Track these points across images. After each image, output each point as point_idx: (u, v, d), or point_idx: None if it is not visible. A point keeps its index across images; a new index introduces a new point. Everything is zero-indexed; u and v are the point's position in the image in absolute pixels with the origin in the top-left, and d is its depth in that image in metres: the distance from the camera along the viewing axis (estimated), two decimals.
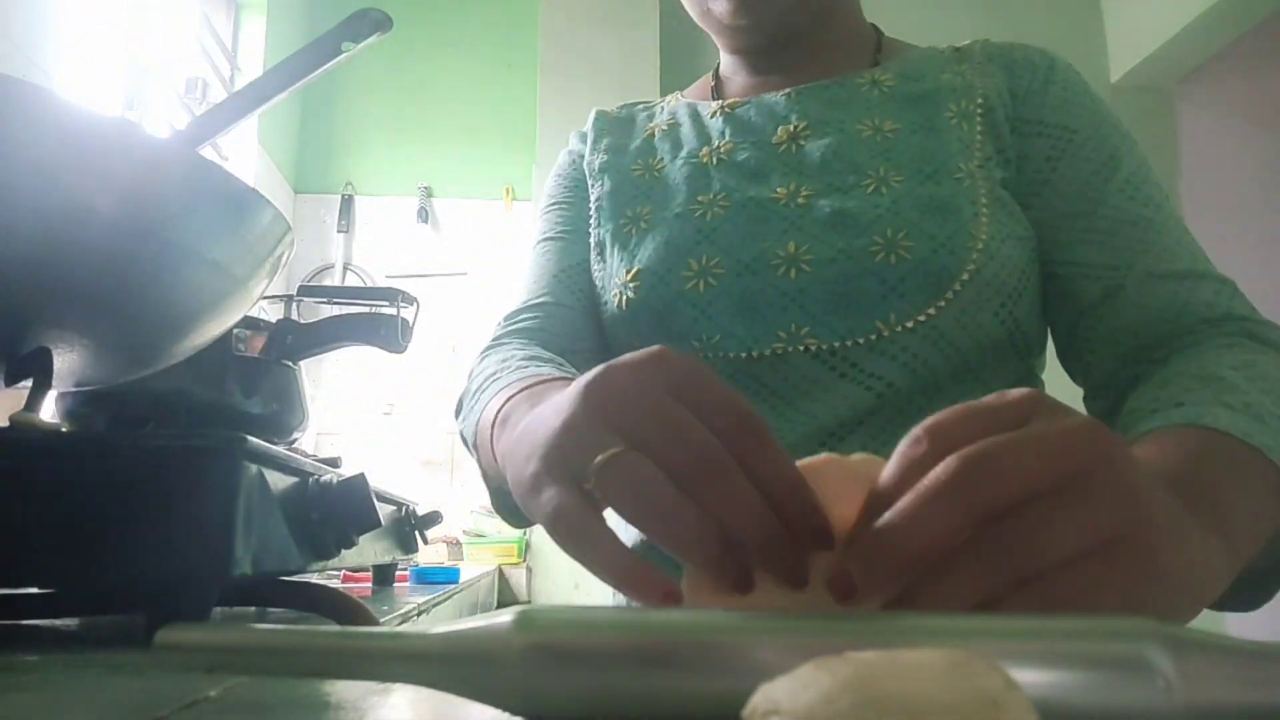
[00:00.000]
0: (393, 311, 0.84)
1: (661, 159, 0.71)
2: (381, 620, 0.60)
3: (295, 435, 0.80)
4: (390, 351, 0.83)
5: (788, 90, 0.70)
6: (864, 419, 0.58)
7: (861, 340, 0.57)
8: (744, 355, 0.59)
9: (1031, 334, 0.61)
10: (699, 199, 0.66)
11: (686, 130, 0.73)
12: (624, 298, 0.64)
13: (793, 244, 0.60)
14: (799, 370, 0.58)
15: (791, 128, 0.67)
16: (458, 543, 2.17)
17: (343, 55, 0.59)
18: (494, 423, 0.48)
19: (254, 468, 0.46)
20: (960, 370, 0.58)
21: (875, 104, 0.66)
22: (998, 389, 0.53)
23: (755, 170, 0.66)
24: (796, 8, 0.67)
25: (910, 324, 0.56)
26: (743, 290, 0.59)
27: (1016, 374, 0.61)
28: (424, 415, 2.40)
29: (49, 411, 0.54)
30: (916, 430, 0.29)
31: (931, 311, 0.56)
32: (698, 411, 0.30)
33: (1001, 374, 0.60)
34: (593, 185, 0.74)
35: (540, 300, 0.69)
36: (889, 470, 0.29)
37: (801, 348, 0.58)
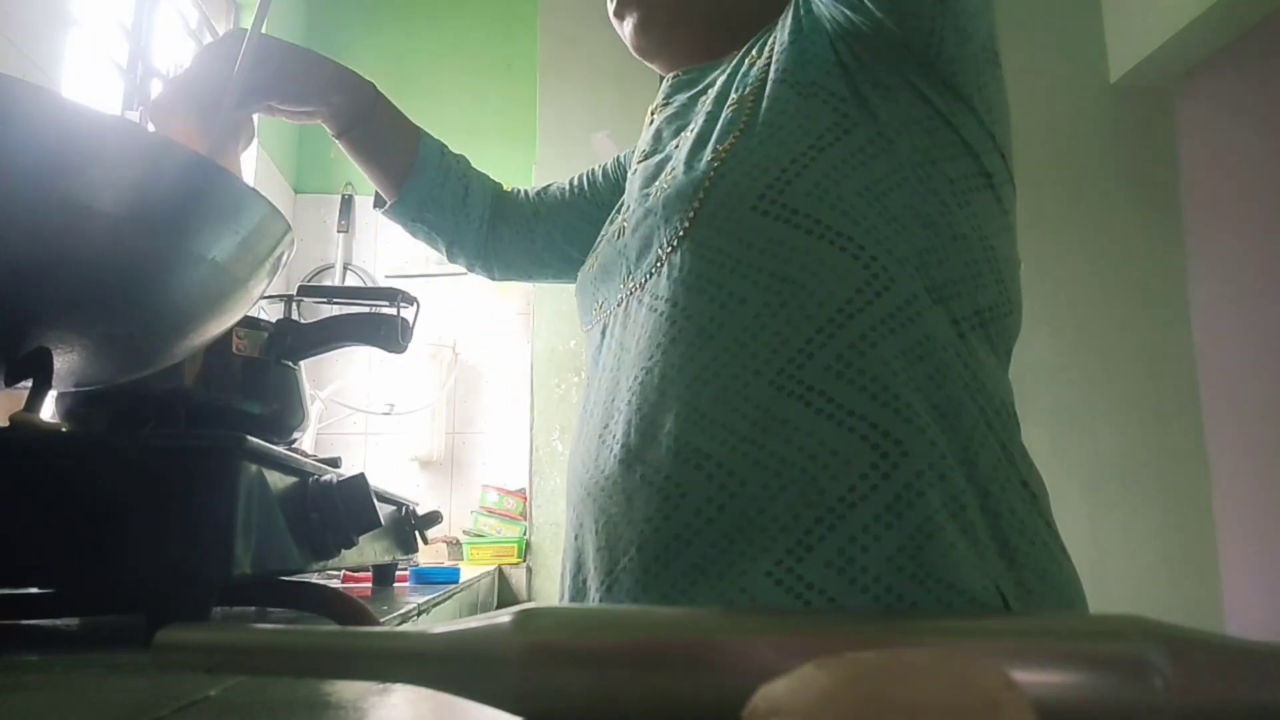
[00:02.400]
0: (393, 311, 0.84)
1: None
2: (381, 620, 0.60)
3: (295, 435, 0.80)
4: (390, 351, 0.83)
5: (678, 73, 0.75)
6: (666, 347, 0.58)
7: (653, 270, 0.62)
8: (610, 309, 0.67)
9: (840, 223, 0.55)
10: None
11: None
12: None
13: (627, 211, 0.68)
14: (632, 313, 0.64)
15: (663, 101, 0.75)
16: (458, 543, 2.17)
17: None
18: None
19: (254, 468, 0.46)
20: (759, 282, 0.56)
21: (723, 69, 0.69)
22: (821, 297, 0.54)
23: (646, 143, 0.74)
24: (683, 31, 0.72)
25: (676, 240, 0.60)
26: (604, 261, 0.69)
27: (853, 280, 0.55)
28: (424, 415, 2.40)
29: (49, 411, 0.54)
30: None
31: (686, 224, 0.59)
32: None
33: (828, 282, 0.55)
34: None
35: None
36: None
37: (629, 290, 0.64)
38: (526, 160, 2.37)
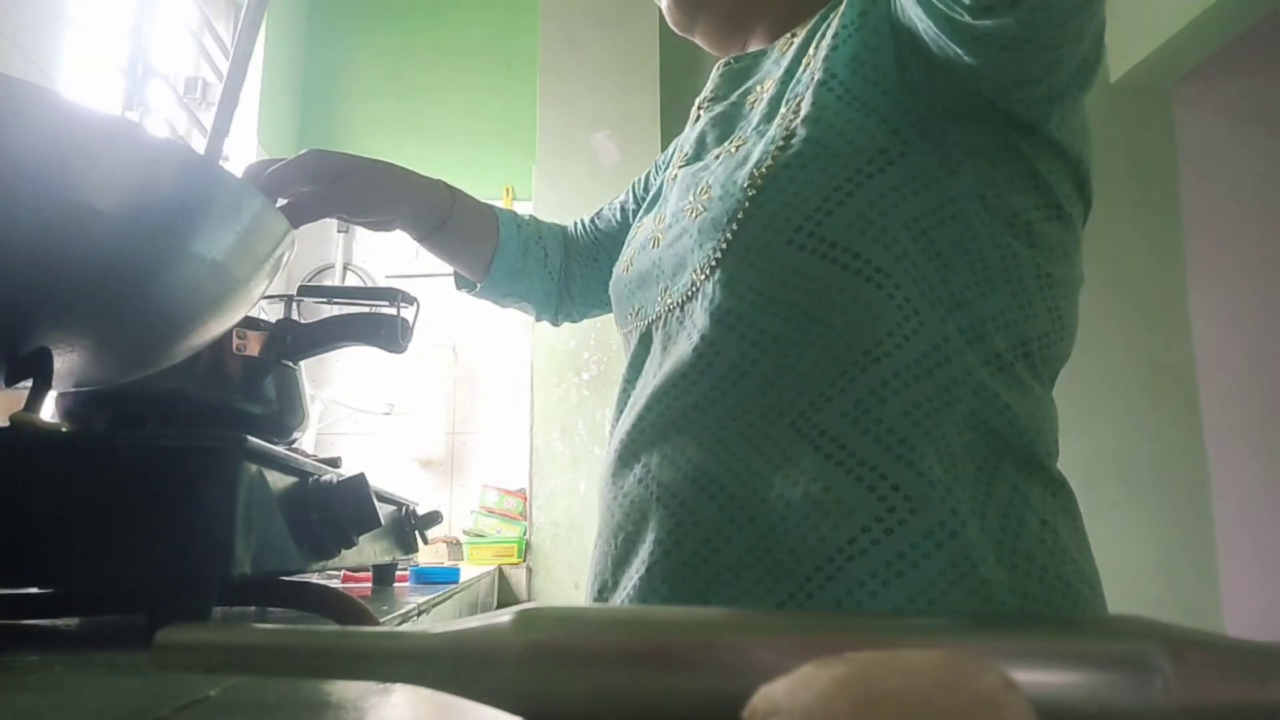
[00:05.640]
0: (393, 311, 0.83)
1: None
2: (381, 620, 0.60)
3: (295, 435, 0.80)
4: (390, 351, 0.83)
5: (729, 60, 0.72)
6: (696, 380, 0.57)
7: (690, 294, 0.60)
8: (650, 320, 0.65)
9: (880, 258, 0.53)
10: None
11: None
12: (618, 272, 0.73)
13: (661, 219, 0.66)
14: (668, 330, 0.62)
15: (711, 95, 0.72)
16: (458, 543, 2.17)
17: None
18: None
19: (254, 468, 0.46)
20: (790, 319, 0.54)
21: (777, 62, 0.65)
22: (849, 338, 0.52)
23: (690, 144, 0.71)
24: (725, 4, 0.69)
25: (709, 269, 0.58)
26: (640, 269, 0.67)
27: (884, 322, 0.52)
28: (424, 415, 2.40)
29: (49, 411, 0.54)
30: None
31: (719, 255, 0.57)
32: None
33: (857, 321, 0.53)
34: None
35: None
36: None
37: (667, 307, 0.63)
38: (526, 160, 2.37)
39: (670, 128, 2.30)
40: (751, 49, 0.71)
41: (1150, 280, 2.54)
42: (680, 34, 0.74)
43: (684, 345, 0.59)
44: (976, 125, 0.54)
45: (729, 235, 0.56)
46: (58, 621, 0.53)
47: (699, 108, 0.73)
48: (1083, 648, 0.23)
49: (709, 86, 0.73)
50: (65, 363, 0.47)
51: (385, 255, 2.52)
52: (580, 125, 2.30)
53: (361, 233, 2.55)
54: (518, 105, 2.57)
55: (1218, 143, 2.63)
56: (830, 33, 0.58)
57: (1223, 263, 2.53)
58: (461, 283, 0.88)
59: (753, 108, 0.64)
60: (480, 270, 0.84)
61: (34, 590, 0.49)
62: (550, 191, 2.25)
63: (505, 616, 0.25)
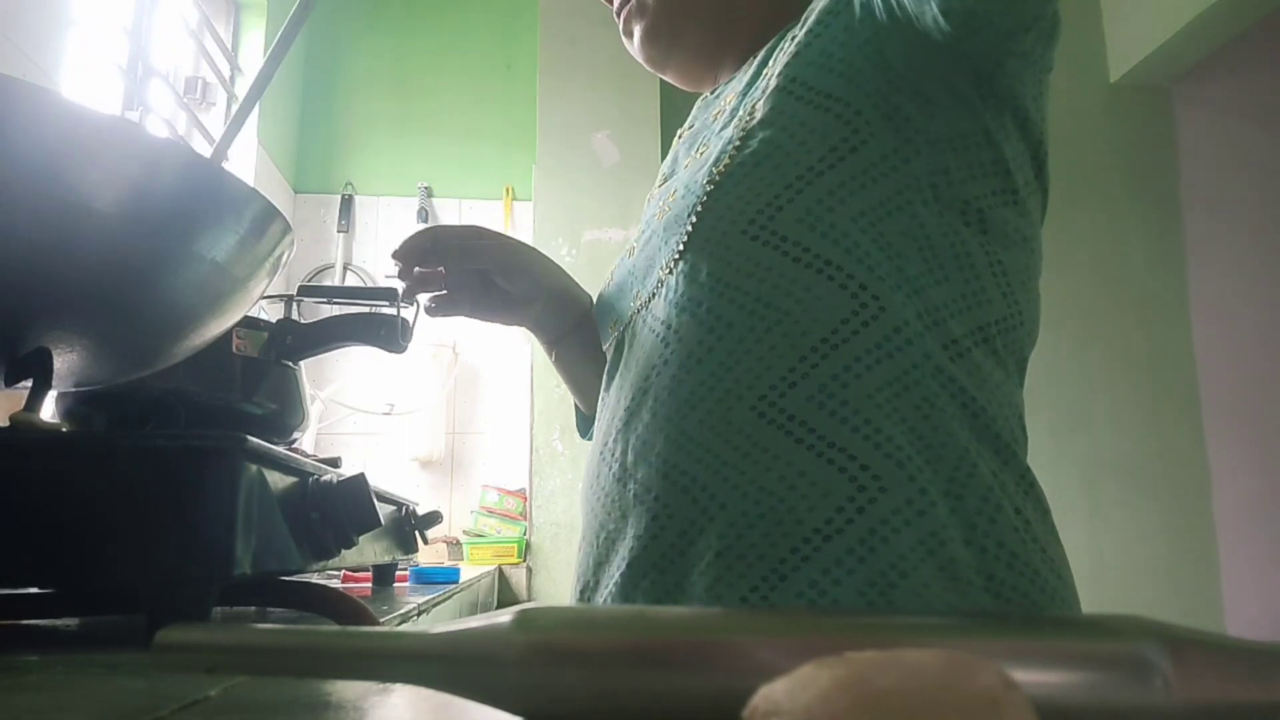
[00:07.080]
0: (393, 311, 0.83)
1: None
2: (381, 620, 0.60)
3: (295, 435, 0.80)
4: (390, 351, 0.83)
5: (705, 95, 0.75)
6: (660, 369, 0.59)
7: (655, 292, 0.62)
8: (622, 325, 0.67)
9: (830, 251, 0.55)
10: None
11: None
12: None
13: (640, 229, 0.69)
14: (635, 328, 0.64)
15: (688, 125, 0.75)
16: (458, 543, 2.17)
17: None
18: None
19: (254, 468, 0.46)
20: (745, 306, 0.56)
21: (739, 79, 0.68)
22: (806, 325, 0.54)
23: (666, 166, 0.75)
24: (689, 33, 0.72)
25: (673, 264, 0.60)
26: (618, 279, 0.70)
27: (839, 310, 0.54)
28: (424, 415, 2.40)
29: (49, 411, 0.54)
30: None
31: (681, 247, 0.59)
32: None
33: (813, 310, 0.54)
34: None
35: None
36: None
37: (637, 308, 0.65)
38: (526, 160, 2.37)
39: (670, 128, 2.30)
40: (722, 83, 0.74)
41: (1150, 280, 2.54)
42: (653, 71, 0.76)
43: (649, 339, 0.61)
44: (945, 110, 0.56)
45: (689, 228, 0.59)
46: (58, 621, 0.53)
47: (678, 137, 0.76)
48: (1083, 648, 0.23)
49: (688, 119, 0.76)
50: (65, 363, 0.47)
51: (385, 255, 2.52)
52: (580, 125, 2.30)
53: (361, 233, 2.55)
54: (518, 105, 2.57)
55: (1218, 142, 2.63)
56: (794, 41, 0.60)
57: (1223, 262, 2.53)
58: (582, 425, 0.86)
59: (716, 119, 0.67)
60: (595, 398, 0.82)
61: (34, 590, 0.49)
62: (550, 192, 2.25)
63: (505, 616, 0.25)
